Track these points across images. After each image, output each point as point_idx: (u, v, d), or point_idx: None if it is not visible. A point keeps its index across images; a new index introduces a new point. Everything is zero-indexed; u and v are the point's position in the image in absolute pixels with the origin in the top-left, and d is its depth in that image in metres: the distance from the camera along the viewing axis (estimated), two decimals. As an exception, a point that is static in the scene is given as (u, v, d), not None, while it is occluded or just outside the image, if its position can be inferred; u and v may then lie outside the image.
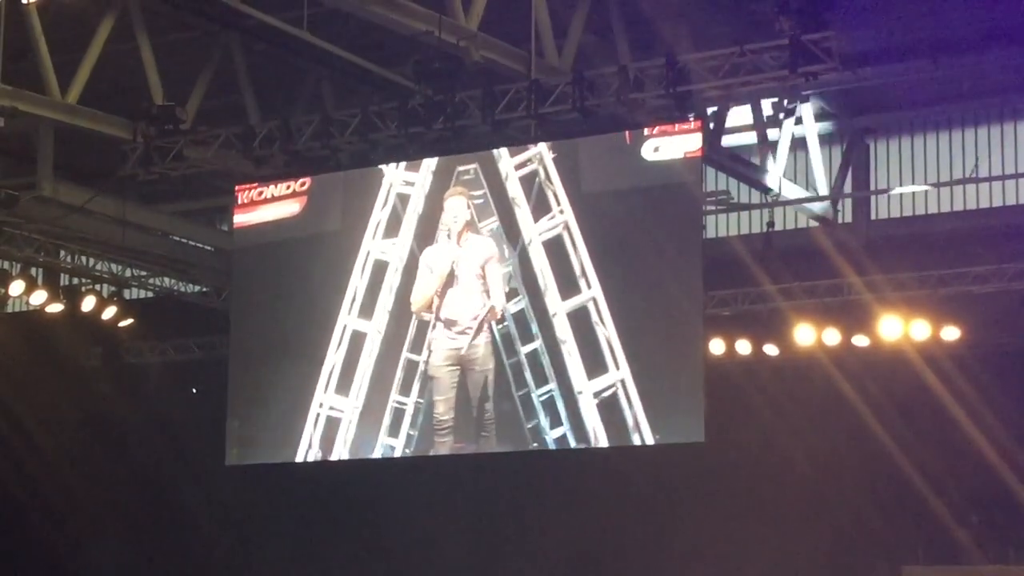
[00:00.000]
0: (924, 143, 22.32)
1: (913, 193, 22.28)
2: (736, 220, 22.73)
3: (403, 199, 19.34)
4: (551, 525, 21.87)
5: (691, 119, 17.35)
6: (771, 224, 22.02)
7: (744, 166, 20.65)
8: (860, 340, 21.05)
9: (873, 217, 22.52)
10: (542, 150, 18.28)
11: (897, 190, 22.30)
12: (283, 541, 22.17)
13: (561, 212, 18.29)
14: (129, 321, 23.50)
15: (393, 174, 19.41)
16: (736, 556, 21.43)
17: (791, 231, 22.11)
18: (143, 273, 25.03)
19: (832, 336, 21.13)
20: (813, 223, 21.73)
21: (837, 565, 21.19)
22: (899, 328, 20.50)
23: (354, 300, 19.50)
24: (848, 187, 22.39)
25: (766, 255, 21.12)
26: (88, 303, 22.88)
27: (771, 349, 21.71)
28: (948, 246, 21.05)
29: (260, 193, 20.21)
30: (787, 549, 21.12)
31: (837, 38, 16.05)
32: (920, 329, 20.50)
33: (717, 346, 21.13)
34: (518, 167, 18.56)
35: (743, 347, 21.70)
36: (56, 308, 22.53)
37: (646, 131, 17.33)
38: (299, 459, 19.77)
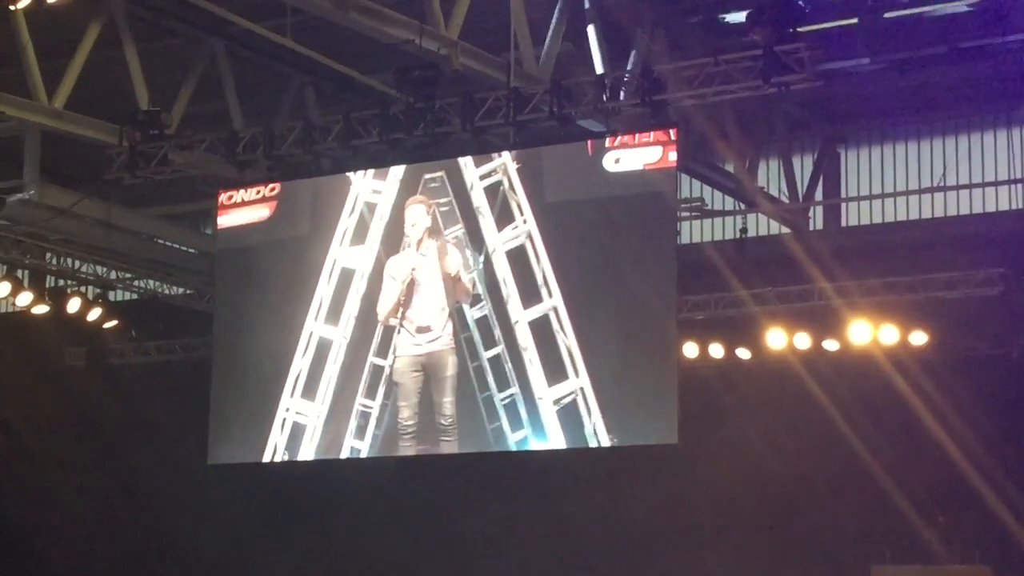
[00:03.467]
0: (894, 152, 22.45)
1: (883, 200, 22.41)
2: (710, 226, 22.83)
3: (370, 207, 19.36)
4: (518, 523, 21.84)
5: (663, 128, 17.53)
6: (744, 230, 22.18)
7: (718, 174, 20.79)
8: (830, 344, 21.14)
9: (844, 224, 22.66)
10: (507, 160, 18.30)
11: (867, 198, 22.46)
12: (262, 537, 22.15)
13: (524, 222, 18.33)
14: (114, 323, 23.52)
15: (361, 182, 19.41)
16: (708, 556, 21.50)
17: (763, 237, 22.20)
18: (128, 275, 24.97)
19: (803, 340, 21.24)
20: (785, 230, 21.82)
21: (808, 565, 21.25)
22: (868, 333, 20.57)
23: (320, 306, 19.53)
24: (819, 195, 22.53)
25: (739, 261, 21.21)
26: (73, 305, 22.87)
27: (744, 353, 21.79)
28: (917, 253, 21.13)
29: (238, 198, 20.28)
30: (758, 549, 21.24)
31: (809, 49, 16.16)
32: (889, 334, 20.59)
33: (691, 350, 21.20)
34: (483, 177, 18.59)
35: (716, 351, 21.76)
36: (42, 309, 22.49)
37: (607, 142, 17.39)
38: (266, 460, 19.87)
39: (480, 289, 18.57)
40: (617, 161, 17.66)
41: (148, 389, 25.04)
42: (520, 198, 18.35)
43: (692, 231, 22.61)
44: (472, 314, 18.60)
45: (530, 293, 18.17)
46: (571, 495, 21.61)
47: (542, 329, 18.02)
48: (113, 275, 24.74)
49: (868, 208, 22.59)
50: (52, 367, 25.11)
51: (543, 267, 18.09)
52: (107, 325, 23.49)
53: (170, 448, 22.93)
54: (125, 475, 24.73)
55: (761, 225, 22.32)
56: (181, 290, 24.69)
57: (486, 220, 18.54)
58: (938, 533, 20.98)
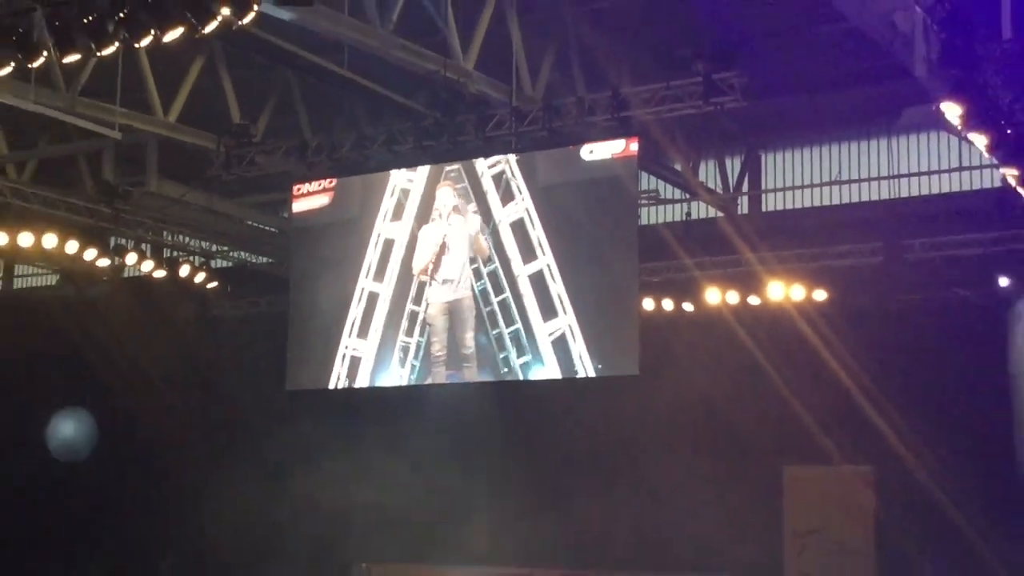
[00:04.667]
0: (801, 155, 22.49)
1: (793, 192, 22.49)
2: (663, 211, 22.85)
3: (405, 192, 19.48)
4: (520, 442, 21.76)
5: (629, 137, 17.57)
6: (688, 215, 22.24)
7: (669, 171, 20.80)
8: (753, 300, 21.14)
9: (763, 210, 22.70)
10: (510, 156, 18.46)
11: (781, 190, 22.53)
12: (326, 447, 22.11)
13: (523, 200, 18.44)
14: (214, 284, 23.58)
15: (397, 174, 19.53)
16: (663, 459, 21.46)
17: (703, 220, 22.22)
18: (225, 248, 25.13)
19: (733, 297, 21.24)
20: (719, 214, 21.83)
21: (737, 467, 21.21)
22: (782, 291, 20.61)
23: (369, 268, 19.63)
24: (745, 187, 22.56)
25: (684, 237, 21.26)
26: (184, 270, 22.91)
27: (688, 307, 21.79)
28: (818, 231, 21.19)
29: (305, 189, 20.34)
30: (700, 454, 21.21)
31: (740, 77, 16.17)
32: (797, 292, 20.61)
33: (648, 304, 21.21)
34: (490, 167, 18.75)
35: (667, 305, 21.74)
36: (160, 274, 22.56)
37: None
38: (331, 386, 19.95)
39: (491, 252, 18.65)
40: (591, 152, 17.78)
41: (241, 334, 25.10)
42: (519, 182, 18.44)
43: (649, 215, 22.63)
44: (485, 270, 18.70)
45: (528, 253, 18.29)
46: (561, 416, 21.55)
47: (538, 280, 18.14)
48: (214, 248, 24.90)
49: (782, 197, 22.67)
50: (168, 319, 25.16)
51: (538, 233, 18.18)
52: (209, 286, 23.52)
53: (257, 378, 22.96)
54: (223, 399, 24.79)
55: (701, 210, 22.35)
56: (265, 259, 24.75)
57: (493, 199, 18.63)
58: (834, 441, 21.04)
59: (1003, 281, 19.84)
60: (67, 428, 25.87)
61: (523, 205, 18.49)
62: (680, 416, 21.42)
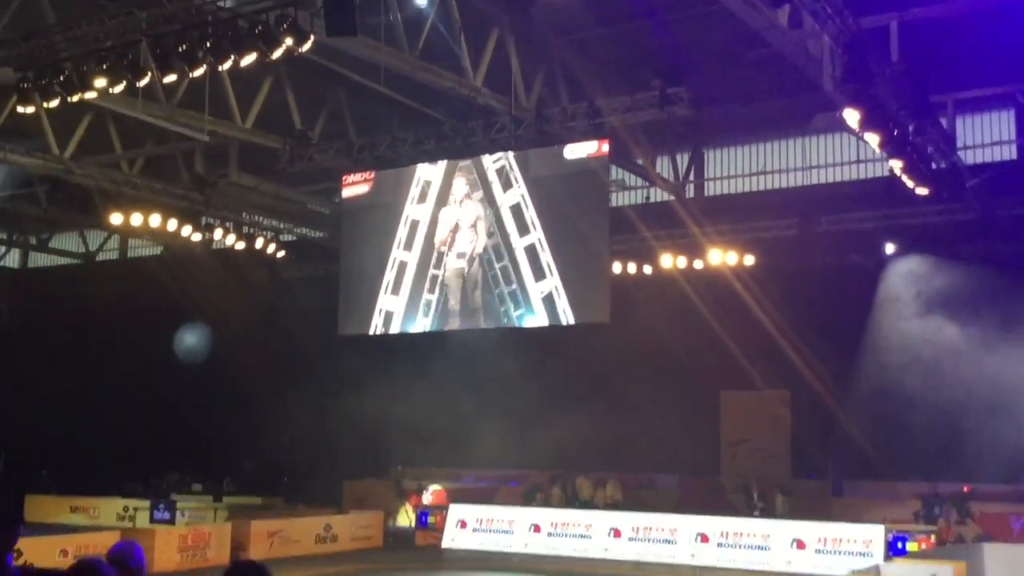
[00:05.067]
0: (738, 152, 22.39)
1: (730, 180, 22.39)
2: (628, 196, 22.73)
3: (428, 183, 19.44)
4: (518, 374, 21.60)
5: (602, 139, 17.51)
6: (648, 198, 22.17)
7: (633, 165, 20.72)
8: (698, 264, 21.13)
9: (706, 194, 22.61)
10: (509, 153, 18.43)
11: (720, 179, 22.44)
12: (367, 375, 22.15)
13: (519, 187, 18.41)
14: (283, 253, 23.61)
15: (422, 168, 19.49)
16: (628, 388, 21.47)
17: (659, 202, 22.13)
18: (290, 225, 25.11)
19: (682, 262, 21.26)
20: (672, 197, 21.74)
21: (684, 392, 21.27)
22: (720, 257, 20.59)
23: (400, 241, 19.64)
24: (692, 177, 22.47)
25: (644, 216, 21.21)
26: (259, 243, 22.99)
27: (647, 269, 21.80)
28: (749, 210, 21.16)
29: (351, 179, 20.27)
30: (656, 385, 21.15)
31: (688, 91, 16.09)
32: (732, 257, 20.62)
33: (616, 267, 21.16)
34: (494, 162, 18.74)
35: (631, 268, 21.75)
36: (240, 246, 22.61)
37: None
38: (371, 332, 19.96)
39: (493, 229, 18.63)
40: (572, 151, 17.72)
41: (304, 292, 25.10)
42: (516, 174, 18.43)
43: (617, 199, 22.43)
44: (489, 243, 18.68)
45: (523, 229, 18.31)
46: (549, 355, 21.49)
47: (531, 250, 18.14)
48: (281, 226, 24.83)
49: (721, 185, 22.57)
50: (246, 280, 25.17)
51: (531, 214, 18.18)
52: (279, 255, 23.57)
53: (317, 326, 22.96)
54: (289, 341, 24.79)
55: (657, 195, 22.24)
56: (321, 234, 24.68)
57: (496, 187, 18.59)
58: (759, 372, 21.13)
59: (889, 248, 19.87)
60: (190, 337, 25.95)
61: (519, 192, 18.46)
62: (641, 354, 21.47)
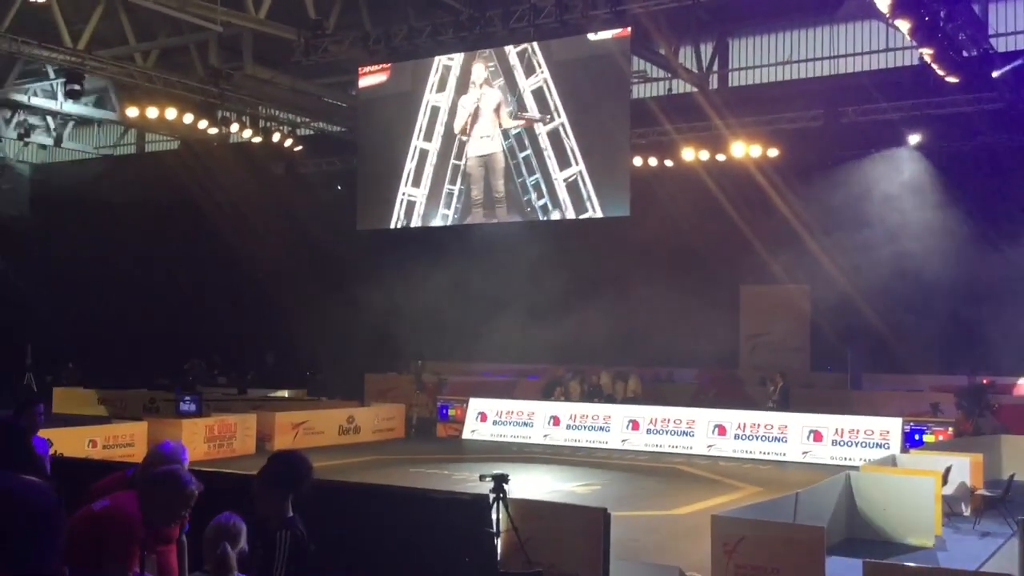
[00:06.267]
0: (761, 41, 21.91)
1: (754, 71, 21.96)
2: (650, 88, 22.37)
3: (447, 69, 19.17)
4: (537, 268, 21.66)
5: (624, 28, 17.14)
6: (670, 89, 21.79)
7: (655, 55, 20.32)
8: (720, 157, 20.96)
9: (730, 85, 22.23)
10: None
11: (744, 68, 22.01)
12: (387, 263, 22.22)
13: (542, 72, 18.13)
14: (299, 147, 23.48)
15: (440, 57, 19.17)
16: (650, 277, 21.50)
17: (681, 94, 21.77)
18: (307, 119, 24.91)
19: (704, 155, 21.08)
20: (695, 89, 21.39)
21: (705, 286, 21.24)
22: (743, 150, 20.40)
23: (420, 130, 19.49)
24: (716, 67, 22.05)
25: (666, 108, 20.91)
26: (276, 136, 22.88)
27: (668, 163, 21.64)
28: (773, 101, 20.80)
29: (368, 70, 20.01)
30: (676, 275, 21.19)
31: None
32: (755, 150, 20.42)
33: (637, 160, 21.06)
34: (516, 46, 18.37)
35: (652, 161, 21.61)
36: (257, 139, 22.51)
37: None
38: (392, 226, 19.97)
39: (516, 114, 18.47)
40: (595, 33, 17.40)
41: (321, 186, 25.09)
42: (539, 58, 18.14)
43: (639, 91, 22.11)
44: (512, 130, 18.54)
45: (547, 115, 18.08)
46: (569, 248, 21.52)
47: (555, 136, 18.00)
48: (298, 119, 24.63)
49: (745, 75, 22.14)
50: (263, 175, 25.13)
51: (554, 99, 17.98)
52: (296, 149, 23.47)
53: (334, 219, 23.02)
54: (307, 236, 24.80)
55: (680, 87, 21.85)
56: (338, 127, 24.51)
57: (518, 72, 18.35)
58: (780, 265, 21.10)
59: (913, 139, 19.57)
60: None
61: (542, 76, 18.21)
62: (661, 248, 21.50)
